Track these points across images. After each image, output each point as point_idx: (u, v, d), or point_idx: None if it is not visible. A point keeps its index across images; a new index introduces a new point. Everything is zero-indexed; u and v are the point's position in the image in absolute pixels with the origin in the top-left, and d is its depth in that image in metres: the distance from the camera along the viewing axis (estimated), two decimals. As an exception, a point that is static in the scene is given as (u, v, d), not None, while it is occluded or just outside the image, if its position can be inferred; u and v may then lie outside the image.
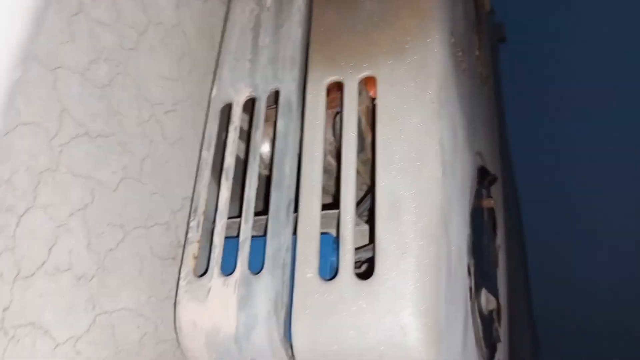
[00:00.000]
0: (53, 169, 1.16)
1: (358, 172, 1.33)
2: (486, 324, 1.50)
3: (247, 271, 1.32)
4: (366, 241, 1.39)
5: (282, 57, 1.49)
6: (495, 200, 1.70)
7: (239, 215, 1.41)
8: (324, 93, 1.38)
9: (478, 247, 1.47)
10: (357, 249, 1.28)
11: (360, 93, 1.36)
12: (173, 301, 1.45)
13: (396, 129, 1.24)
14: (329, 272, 1.26)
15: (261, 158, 1.48)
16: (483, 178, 1.58)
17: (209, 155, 1.52)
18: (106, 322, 1.27)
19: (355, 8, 1.43)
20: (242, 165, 1.52)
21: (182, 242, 1.53)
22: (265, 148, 1.54)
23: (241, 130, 1.53)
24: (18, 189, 1.09)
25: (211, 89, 1.62)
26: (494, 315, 1.62)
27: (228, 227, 1.43)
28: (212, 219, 1.46)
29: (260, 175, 1.48)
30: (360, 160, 1.38)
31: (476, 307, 1.42)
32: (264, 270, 1.29)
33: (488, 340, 1.51)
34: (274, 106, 1.50)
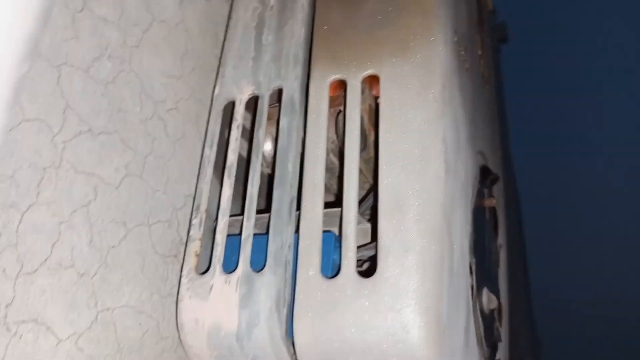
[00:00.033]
0: (56, 165, 1.17)
1: (360, 171, 1.33)
2: (487, 323, 1.50)
3: (249, 269, 1.32)
4: (368, 240, 1.39)
5: (285, 55, 1.49)
6: (496, 199, 1.70)
7: (241, 213, 1.41)
8: (327, 91, 1.38)
9: (480, 246, 1.47)
10: (359, 247, 1.28)
11: (362, 91, 1.36)
12: (175, 299, 1.45)
13: (399, 127, 1.25)
14: (331, 270, 1.27)
15: (263, 156, 1.48)
16: (485, 177, 1.58)
17: (211, 153, 1.52)
18: (108, 319, 1.27)
19: (359, 6, 1.43)
20: (245, 164, 1.52)
21: (184, 240, 1.53)
22: (268, 146, 1.54)
23: (243, 128, 1.54)
24: (21, 185, 1.09)
25: (214, 86, 1.62)
26: (495, 314, 1.62)
27: (230, 224, 1.43)
28: (214, 217, 1.47)
29: (262, 174, 1.48)
30: (363, 159, 1.39)
31: (478, 306, 1.42)
32: (266, 268, 1.30)
33: (489, 339, 1.52)
34: (277, 104, 1.50)
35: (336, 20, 1.45)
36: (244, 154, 1.57)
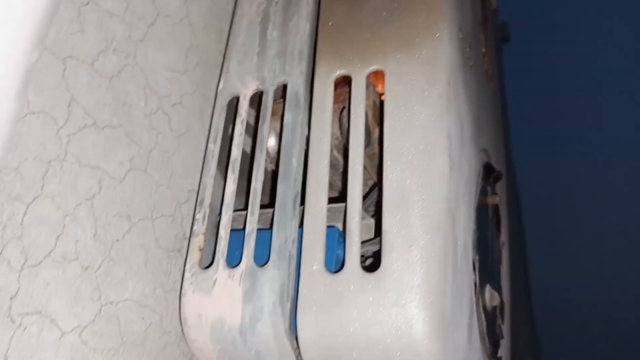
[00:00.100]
0: (61, 158, 1.17)
1: (364, 167, 1.33)
2: (490, 320, 1.50)
3: (253, 263, 1.32)
4: (372, 235, 1.39)
5: (290, 51, 1.49)
6: (499, 197, 1.70)
7: (245, 209, 1.41)
8: (332, 87, 1.38)
9: (483, 244, 1.47)
10: (362, 242, 1.28)
11: (367, 87, 1.36)
12: (178, 293, 1.46)
13: (404, 123, 1.25)
14: (335, 265, 1.27)
15: (267, 152, 1.48)
16: (488, 174, 1.58)
17: (215, 148, 1.52)
18: (112, 312, 1.27)
19: (364, 3, 1.43)
20: (249, 159, 1.52)
21: (188, 235, 1.53)
22: (272, 142, 1.54)
23: (247, 125, 1.54)
24: (26, 177, 1.09)
25: (218, 82, 1.62)
26: (497, 312, 1.62)
27: (234, 219, 1.43)
28: (217, 212, 1.47)
29: (266, 170, 1.48)
30: (366, 155, 1.39)
31: (480, 303, 1.42)
32: (269, 263, 1.30)
33: (491, 336, 1.52)
34: (281, 100, 1.51)
35: (341, 16, 1.45)
36: (248, 150, 1.57)
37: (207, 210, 1.46)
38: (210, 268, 1.38)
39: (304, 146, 1.41)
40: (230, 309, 1.30)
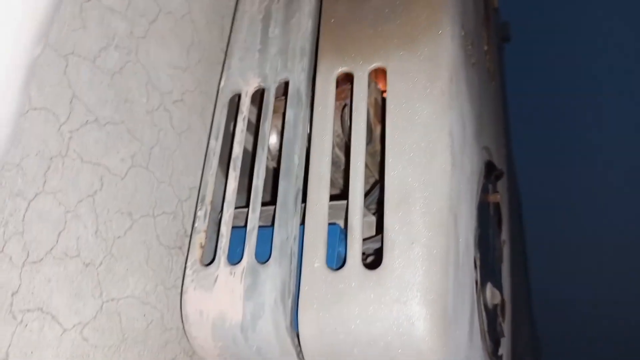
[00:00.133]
0: (63, 154, 1.17)
1: (365, 165, 1.33)
2: (491, 318, 1.50)
3: (254, 260, 1.32)
4: (373, 233, 1.39)
5: (292, 48, 1.49)
6: (501, 195, 1.70)
7: (246, 206, 1.41)
8: (333, 84, 1.38)
9: (484, 241, 1.47)
10: (364, 240, 1.28)
11: (369, 85, 1.36)
12: (179, 290, 1.45)
13: (406, 120, 1.25)
14: (336, 262, 1.27)
15: (269, 150, 1.48)
16: (490, 173, 1.58)
17: (216, 145, 1.52)
18: (113, 309, 1.27)
19: (366, 0, 1.43)
20: (250, 157, 1.52)
21: (189, 232, 1.53)
22: (273, 139, 1.54)
23: (249, 122, 1.53)
24: (28, 173, 1.09)
25: (220, 79, 1.62)
26: (498, 310, 1.62)
27: (235, 217, 1.43)
28: (219, 209, 1.46)
29: (267, 168, 1.48)
30: (368, 153, 1.38)
31: (482, 301, 1.42)
32: (271, 260, 1.29)
33: (492, 334, 1.52)
34: (282, 97, 1.50)
35: (343, 13, 1.45)
36: (249, 147, 1.57)
37: (209, 208, 1.46)
38: (211, 265, 1.38)
39: (305, 143, 1.41)
40: (232, 306, 1.30)
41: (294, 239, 1.30)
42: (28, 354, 1.06)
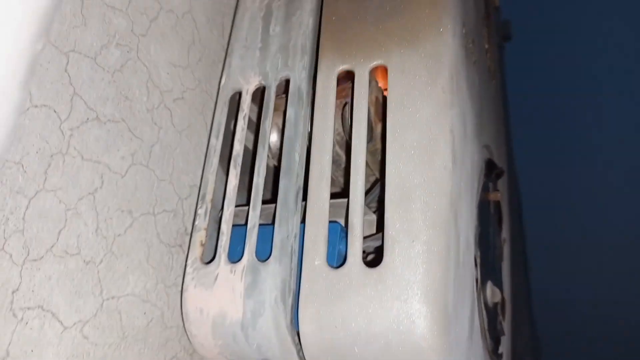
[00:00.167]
0: (63, 152, 1.16)
1: (366, 163, 1.33)
2: (491, 317, 1.50)
3: (255, 258, 1.32)
4: (373, 231, 1.39)
5: (292, 46, 1.49)
6: (501, 194, 1.70)
7: (247, 204, 1.41)
8: (334, 82, 1.38)
9: (484, 240, 1.47)
10: (365, 237, 1.28)
11: (370, 83, 1.36)
12: (179, 288, 1.45)
13: (407, 117, 1.24)
14: (337, 260, 1.27)
15: (269, 148, 1.48)
16: (490, 171, 1.58)
17: (217, 143, 1.52)
18: (113, 307, 1.27)
19: (367, -2, 1.43)
20: (251, 155, 1.52)
21: (189, 230, 1.53)
22: (274, 137, 1.54)
23: (249, 120, 1.53)
24: (28, 171, 1.09)
25: (220, 77, 1.62)
26: (499, 308, 1.62)
27: (235, 215, 1.43)
28: (219, 207, 1.46)
29: (268, 166, 1.47)
30: (368, 151, 1.38)
31: (482, 299, 1.42)
32: (271, 258, 1.29)
33: (492, 332, 1.52)
34: (283, 95, 1.50)
35: (344, 11, 1.44)
36: (250, 145, 1.57)
37: (209, 206, 1.46)
38: (211, 263, 1.38)
39: (306, 141, 1.41)
40: (232, 304, 1.30)
41: (295, 237, 1.30)
42: (28, 352, 1.06)
